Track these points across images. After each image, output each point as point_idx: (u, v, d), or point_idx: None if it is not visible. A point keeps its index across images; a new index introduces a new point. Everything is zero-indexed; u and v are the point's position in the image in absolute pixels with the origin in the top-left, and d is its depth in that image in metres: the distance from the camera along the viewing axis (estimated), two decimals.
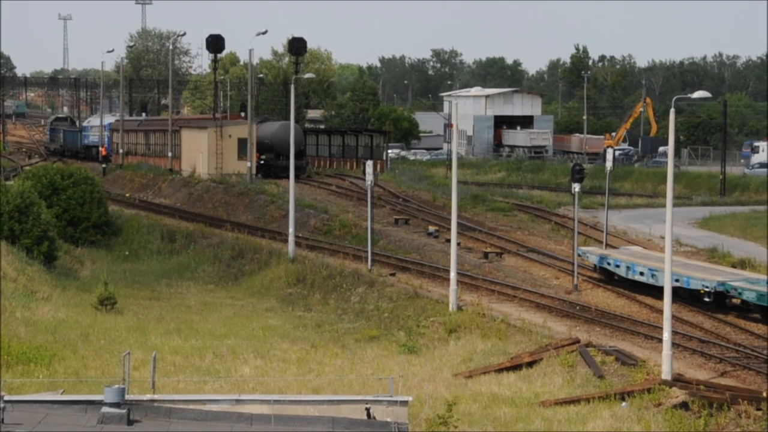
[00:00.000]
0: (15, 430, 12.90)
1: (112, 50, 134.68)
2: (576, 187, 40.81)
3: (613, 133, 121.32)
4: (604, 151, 53.16)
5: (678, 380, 26.71)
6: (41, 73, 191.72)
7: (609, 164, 49.41)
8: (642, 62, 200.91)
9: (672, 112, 28.22)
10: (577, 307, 36.11)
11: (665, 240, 29.02)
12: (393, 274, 42.07)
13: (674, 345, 28.25)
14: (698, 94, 29.52)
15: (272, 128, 70.81)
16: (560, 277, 42.10)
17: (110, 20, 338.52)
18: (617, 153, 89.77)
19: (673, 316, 28.73)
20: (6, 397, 17.39)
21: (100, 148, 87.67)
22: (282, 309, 40.92)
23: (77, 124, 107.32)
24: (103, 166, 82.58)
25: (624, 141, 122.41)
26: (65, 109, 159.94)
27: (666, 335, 27.33)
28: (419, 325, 35.29)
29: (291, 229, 46.93)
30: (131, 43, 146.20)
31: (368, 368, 30.60)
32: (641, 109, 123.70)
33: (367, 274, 42.06)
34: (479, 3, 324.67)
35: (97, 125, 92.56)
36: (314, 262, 44.86)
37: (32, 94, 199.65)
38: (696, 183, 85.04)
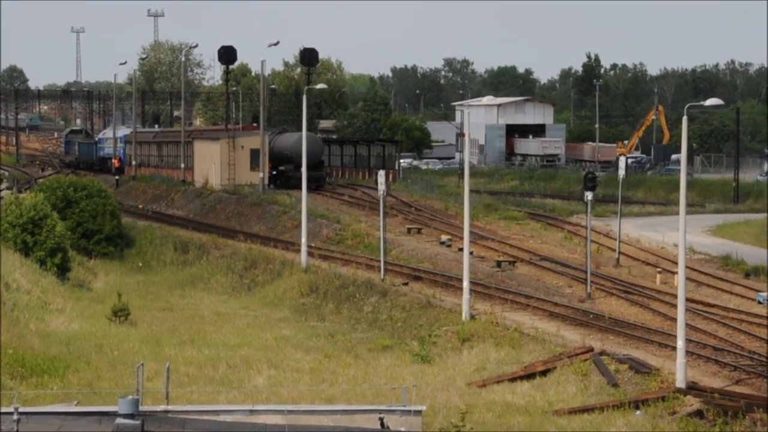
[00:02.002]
0: None
1: (125, 62, 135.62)
2: (588, 196, 40.77)
3: (626, 141, 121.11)
4: (617, 159, 53.19)
5: (692, 388, 26.62)
6: (54, 86, 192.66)
7: (621, 172, 49.37)
8: (654, 70, 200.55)
9: (684, 119, 28.16)
10: (591, 316, 36.02)
11: (679, 248, 28.94)
12: (406, 284, 42.06)
13: (688, 353, 28.16)
14: (711, 101, 29.45)
15: (291, 139, 70.60)
16: (573, 285, 42.02)
17: (123, 33, 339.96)
18: (630, 161, 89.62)
19: (687, 324, 28.65)
20: (21, 409, 17.44)
21: (113, 160, 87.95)
22: (295, 319, 40.95)
23: (92, 136, 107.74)
24: (117, 177, 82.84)
25: (636, 149, 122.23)
26: (78, 121, 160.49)
27: (680, 343, 27.24)
28: (432, 334, 35.26)
29: (303, 239, 46.99)
30: (144, 56, 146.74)
31: (381, 378, 30.58)
32: (653, 117, 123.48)
33: (379, 284, 42.06)
34: (490, 12, 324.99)
35: (111, 137, 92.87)
36: (327, 271, 44.88)
37: (45, 107, 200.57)
38: (709, 190, 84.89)
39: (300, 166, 66.40)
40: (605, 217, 64.56)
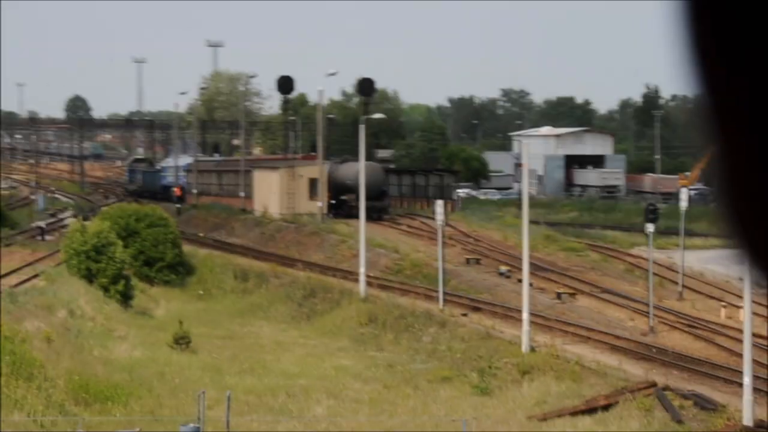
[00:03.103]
0: None
1: (186, 92, 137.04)
2: (650, 227, 40.37)
3: (688, 173, 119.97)
4: (679, 190, 52.58)
5: (760, 426, 26.14)
6: (117, 115, 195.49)
7: (684, 204, 48.87)
8: None
9: None
10: (654, 350, 35.56)
11: (744, 281, 28.52)
12: (465, 315, 41.89)
13: (756, 390, 27.66)
14: None
15: (353, 169, 70.55)
16: (635, 318, 41.56)
17: (183, 62, 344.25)
18: (692, 193, 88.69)
19: (754, 360, 28.18)
20: None
21: (175, 189, 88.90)
22: (354, 349, 40.94)
23: (155, 164, 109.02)
24: (178, 206, 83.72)
25: (699, 181, 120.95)
26: (140, 150, 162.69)
27: (747, 380, 26.79)
28: (492, 366, 35.02)
29: (362, 269, 47.04)
30: (204, 86, 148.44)
31: (441, 409, 30.44)
32: None
33: (438, 314, 41.93)
34: (547, 42, 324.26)
35: (173, 166, 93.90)
36: (386, 301, 44.86)
37: (108, 136, 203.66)
38: None
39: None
40: (667, 249, 63.86)
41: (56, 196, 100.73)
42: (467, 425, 26.11)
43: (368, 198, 66.70)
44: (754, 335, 30.50)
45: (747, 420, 26.44)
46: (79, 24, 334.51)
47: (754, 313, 33.30)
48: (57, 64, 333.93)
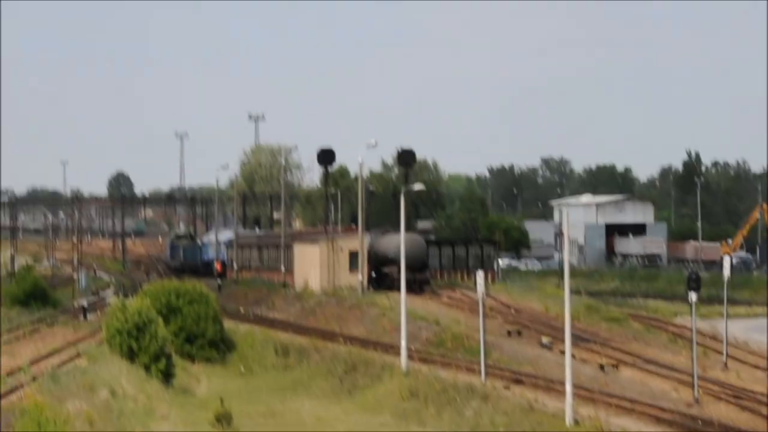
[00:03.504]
0: None
1: (226, 166, 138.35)
2: (693, 296, 40.02)
3: (730, 240, 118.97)
4: (721, 258, 52.15)
5: None
6: (159, 191, 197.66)
7: (727, 272, 48.45)
8: (757, 167, 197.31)
9: None
10: (700, 422, 35.03)
11: None
12: (507, 387, 41.54)
13: None
14: None
15: (394, 240, 70.49)
16: (679, 389, 41.03)
17: (224, 136, 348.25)
18: (735, 260, 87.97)
19: None
20: None
21: (215, 264, 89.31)
22: (396, 424, 40.63)
23: (196, 240, 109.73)
24: (219, 282, 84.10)
25: (741, 248, 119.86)
26: (181, 225, 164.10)
27: None
28: None
29: (403, 342, 46.87)
30: (244, 159, 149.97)
31: None
32: (758, 216, 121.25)
33: (480, 387, 41.60)
34: (586, 110, 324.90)
35: (218, 241, 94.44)
36: (427, 375, 44.56)
37: (150, 212, 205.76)
38: None
39: (406, 268, 66.30)
40: (710, 318, 63.22)
41: (98, 274, 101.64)
42: None
43: (410, 269, 66.60)
44: None
45: None
46: (121, 99, 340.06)
47: None
48: (100, 141, 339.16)
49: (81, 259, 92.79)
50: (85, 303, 67.49)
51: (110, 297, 71.79)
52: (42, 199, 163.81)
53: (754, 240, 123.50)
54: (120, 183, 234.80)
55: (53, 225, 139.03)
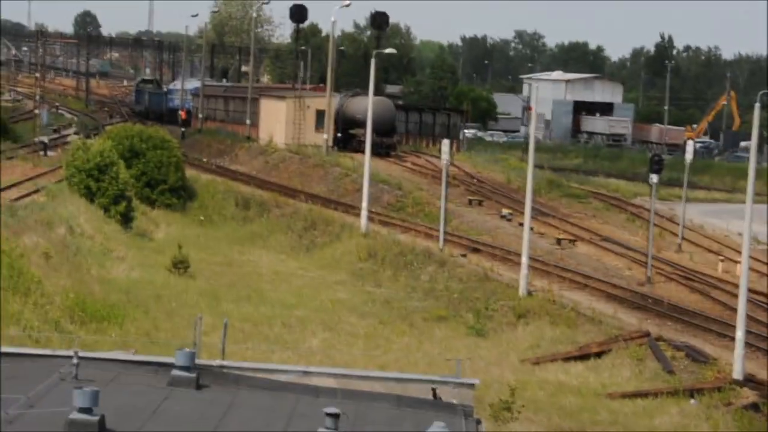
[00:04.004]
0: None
1: (197, 15, 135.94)
2: (654, 178, 40.27)
3: (695, 125, 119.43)
4: (685, 142, 52.34)
5: (749, 381, 26.30)
6: (126, 34, 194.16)
7: (689, 156, 48.71)
8: (728, 54, 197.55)
9: (757, 106, 27.70)
10: (649, 300, 35.67)
11: (743, 237, 28.51)
12: (464, 255, 41.95)
13: (747, 345, 27.80)
14: None
15: (364, 103, 70.01)
16: (633, 268, 41.63)
17: None
18: (698, 145, 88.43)
19: (748, 315, 28.26)
20: (80, 353, 17.65)
21: (180, 112, 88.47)
22: (352, 283, 41.06)
23: (162, 86, 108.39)
24: (183, 130, 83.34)
25: (705, 134, 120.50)
26: (147, 70, 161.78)
27: (739, 334, 26.90)
28: (488, 307, 35.17)
29: (364, 204, 47.00)
30: (215, 9, 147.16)
31: (435, 348, 30.61)
32: (724, 102, 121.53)
33: (438, 254, 41.99)
34: None
35: (183, 89, 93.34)
36: (386, 238, 44.88)
37: (116, 54, 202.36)
38: None
39: (373, 130, 65.90)
40: (670, 201, 63.84)
41: (60, 111, 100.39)
42: (460, 366, 26.22)
43: (378, 133, 66.34)
44: (750, 290, 30.56)
45: (737, 374, 26.60)
46: None
47: (751, 269, 33.36)
48: None
49: (43, 95, 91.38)
50: (46, 139, 66.74)
51: (72, 135, 70.98)
52: (4, 31, 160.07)
53: (718, 126, 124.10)
54: (87, 22, 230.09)
55: (15, 58, 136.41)
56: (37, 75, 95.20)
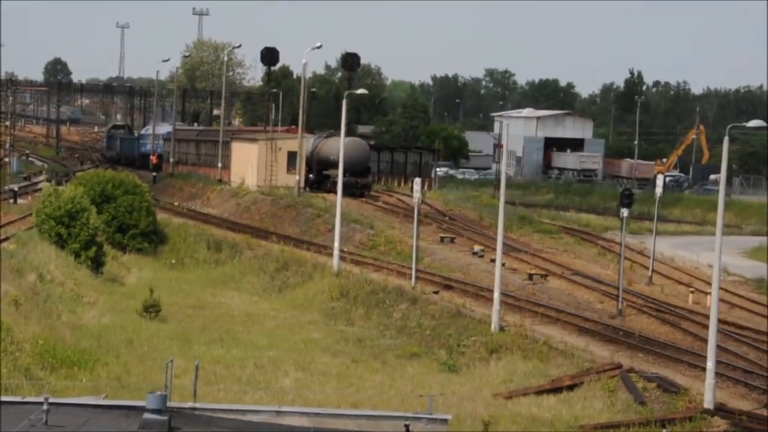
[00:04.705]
0: None
1: (168, 60, 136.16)
2: (624, 212, 40.55)
3: (665, 159, 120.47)
4: (655, 176, 52.81)
5: (720, 410, 26.44)
6: (97, 80, 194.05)
7: (659, 190, 49.11)
8: (697, 89, 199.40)
9: (726, 140, 28.00)
10: (621, 333, 35.83)
11: (713, 268, 28.75)
12: (436, 292, 42.04)
13: (718, 374, 27.96)
14: (753, 122, 29.26)
15: (338, 144, 70.08)
16: (604, 301, 41.82)
17: (167, 30, 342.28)
18: (668, 179, 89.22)
19: (718, 346, 28.44)
20: (50, 399, 17.59)
21: (151, 157, 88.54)
22: (324, 322, 41.04)
23: (134, 132, 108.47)
24: (154, 174, 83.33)
25: (675, 168, 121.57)
26: (119, 116, 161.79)
27: (710, 364, 27.06)
28: (461, 344, 35.23)
29: (336, 243, 47.08)
30: (187, 54, 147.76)
31: (408, 385, 30.60)
32: (694, 137, 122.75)
33: (410, 291, 42.07)
34: (534, 24, 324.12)
35: (155, 133, 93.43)
36: (358, 277, 44.93)
37: (87, 101, 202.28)
38: (746, 212, 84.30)
39: (347, 171, 65.97)
40: (640, 234, 64.29)
41: (31, 159, 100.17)
42: (434, 401, 26.26)
43: (352, 174, 66.64)
44: (720, 321, 30.77)
45: (708, 403, 26.72)
46: None
47: (721, 300, 33.61)
48: (39, 26, 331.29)
49: (13, 143, 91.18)
50: (15, 187, 66.54)
51: (42, 183, 70.80)
52: None
53: (688, 160, 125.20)
54: (57, 69, 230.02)
55: None
56: (7, 123, 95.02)
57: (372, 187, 70.86)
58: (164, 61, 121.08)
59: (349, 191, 65.53)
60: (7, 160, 79.65)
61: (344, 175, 66.57)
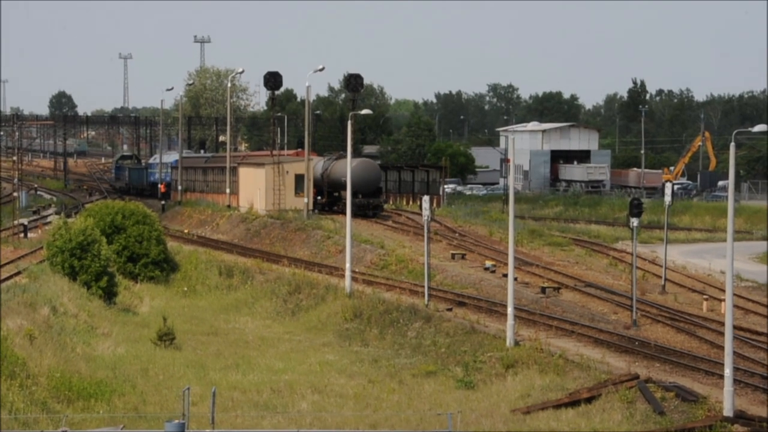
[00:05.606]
0: None
1: (171, 88, 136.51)
2: (634, 222, 40.49)
3: (672, 168, 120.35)
4: (663, 185, 52.69)
5: (740, 417, 26.30)
6: (102, 112, 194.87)
7: (668, 198, 49.03)
8: (700, 96, 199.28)
9: (732, 146, 27.98)
10: (636, 343, 35.72)
11: (726, 275, 28.67)
12: (450, 309, 41.97)
13: (736, 381, 27.85)
14: (759, 127, 29.22)
15: (351, 165, 69.87)
16: (618, 312, 41.71)
17: (169, 59, 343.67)
18: (676, 187, 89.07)
19: (735, 352, 28.34)
20: None
21: (159, 185, 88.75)
22: (339, 344, 40.98)
23: (142, 161, 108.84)
24: (162, 202, 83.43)
25: (682, 175, 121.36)
26: (125, 146, 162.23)
27: (728, 371, 26.95)
28: (476, 360, 35.14)
29: (348, 264, 47.07)
30: (190, 81, 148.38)
31: (425, 404, 30.52)
32: (700, 143, 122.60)
33: (423, 309, 42.00)
34: (535, 38, 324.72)
35: (163, 162, 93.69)
36: (371, 297, 44.88)
37: (93, 133, 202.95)
38: (756, 217, 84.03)
39: (359, 192, 66.03)
40: (651, 243, 64.15)
41: (39, 193, 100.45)
42: (452, 419, 26.20)
43: (364, 195, 66.69)
44: (735, 327, 30.66)
45: (727, 411, 26.60)
46: (66, 21, 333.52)
47: (735, 306, 33.50)
48: (43, 61, 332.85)
49: (22, 177, 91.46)
50: (25, 221, 66.74)
51: (52, 216, 70.99)
52: None
53: (695, 168, 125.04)
54: (62, 103, 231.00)
55: None
56: (14, 158, 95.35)
57: (384, 207, 70.90)
58: (168, 89, 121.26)
59: (362, 212, 65.54)
60: (15, 194, 79.89)
61: (356, 197, 66.85)
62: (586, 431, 27.11)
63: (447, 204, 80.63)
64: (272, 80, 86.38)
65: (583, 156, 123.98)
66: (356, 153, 71.19)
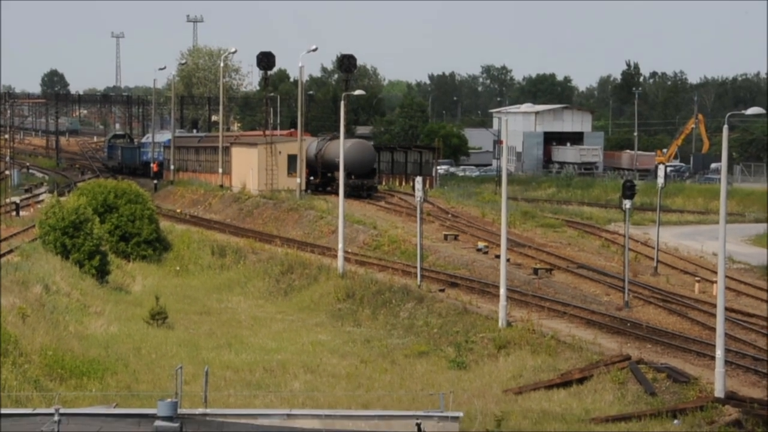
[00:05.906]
0: None
1: (164, 68, 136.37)
2: (627, 204, 40.53)
3: (665, 150, 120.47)
4: (656, 167, 52.76)
5: (731, 398, 26.42)
6: (94, 91, 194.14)
7: (660, 180, 49.11)
8: (694, 78, 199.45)
9: (725, 128, 27.99)
10: (628, 324, 35.83)
11: (718, 257, 28.75)
12: (442, 290, 42.05)
13: (727, 363, 27.95)
14: (752, 110, 29.23)
15: (345, 146, 69.92)
16: (611, 293, 41.82)
17: (162, 38, 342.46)
18: (669, 169, 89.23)
19: (726, 334, 28.44)
20: (61, 410, 17.64)
21: (152, 165, 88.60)
22: (331, 324, 41.04)
23: (134, 141, 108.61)
24: (155, 182, 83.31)
25: (675, 157, 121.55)
26: (117, 125, 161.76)
27: (719, 352, 27.05)
28: (468, 340, 35.22)
29: (340, 245, 47.10)
30: (182, 61, 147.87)
31: (418, 383, 30.61)
32: (693, 126, 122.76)
33: (416, 290, 42.07)
34: (529, 19, 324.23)
35: (156, 141, 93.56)
36: (363, 277, 44.93)
37: (85, 111, 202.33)
38: (749, 199, 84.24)
39: (352, 173, 66.10)
40: (643, 225, 64.28)
41: (32, 171, 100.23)
42: (444, 399, 26.29)
43: (358, 176, 66.71)
44: (727, 309, 30.76)
45: (718, 392, 26.72)
46: None
47: (727, 288, 33.61)
48: (34, 39, 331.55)
49: (13, 156, 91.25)
50: (17, 200, 66.60)
51: (44, 194, 70.86)
52: None
53: (688, 150, 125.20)
54: (54, 81, 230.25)
55: None
56: (6, 136, 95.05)
57: (377, 188, 70.92)
58: (160, 69, 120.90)
59: (356, 193, 65.53)
60: (7, 172, 79.73)
61: (351, 177, 66.88)
62: (577, 412, 27.21)
63: (440, 185, 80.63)
64: (265, 60, 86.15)
65: (576, 138, 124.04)
66: (349, 134, 70.96)
